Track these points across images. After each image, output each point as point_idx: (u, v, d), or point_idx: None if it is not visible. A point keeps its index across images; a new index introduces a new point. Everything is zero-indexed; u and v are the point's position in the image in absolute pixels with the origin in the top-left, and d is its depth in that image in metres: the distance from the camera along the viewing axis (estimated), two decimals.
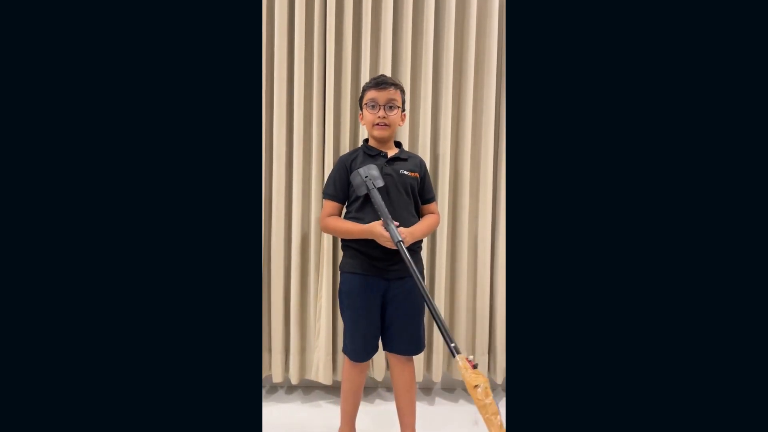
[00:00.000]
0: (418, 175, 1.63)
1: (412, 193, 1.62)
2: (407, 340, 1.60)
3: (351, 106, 2.01)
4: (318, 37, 2.00)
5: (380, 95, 1.58)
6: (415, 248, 1.60)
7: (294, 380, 2.11)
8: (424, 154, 2.01)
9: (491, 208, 2.09)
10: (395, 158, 1.63)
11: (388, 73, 1.98)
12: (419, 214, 1.66)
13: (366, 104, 1.62)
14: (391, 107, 1.60)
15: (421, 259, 1.69)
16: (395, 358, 1.63)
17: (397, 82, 1.64)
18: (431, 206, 1.69)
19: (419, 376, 2.10)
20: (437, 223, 1.68)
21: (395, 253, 1.49)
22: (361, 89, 1.69)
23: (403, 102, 1.67)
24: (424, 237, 1.64)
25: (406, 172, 1.61)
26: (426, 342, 2.09)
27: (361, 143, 1.75)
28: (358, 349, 1.60)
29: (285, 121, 2.02)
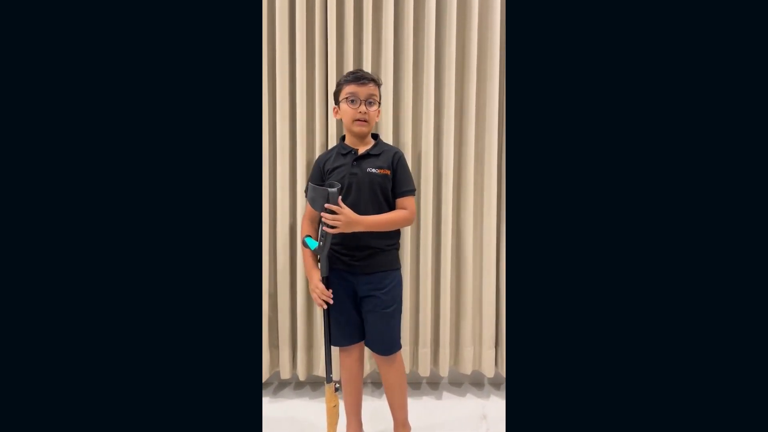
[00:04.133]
0: (388, 172, 1.57)
1: (382, 191, 1.57)
2: (376, 339, 1.61)
3: None
4: (319, 37, 2.00)
5: (360, 90, 1.55)
6: (382, 246, 1.57)
7: (301, 376, 2.12)
8: (427, 152, 2.01)
9: (495, 204, 2.08)
10: (365, 155, 1.59)
11: (389, 70, 1.98)
12: (392, 208, 1.60)
13: (345, 99, 1.58)
14: (370, 103, 1.57)
15: (395, 258, 1.65)
16: (375, 355, 1.64)
17: (376, 77, 1.61)
18: (404, 201, 1.59)
19: (426, 370, 2.10)
20: (403, 218, 1.59)
21: (356, 249, 1.55)
22: (336, 83, 1.65)
23: (379, 97, 1.64)
24: (376, 228, 1.53)
25: (374, 170, 1.56)
26: (432, 337, 2.11)
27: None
28: (335, 336, 1.63)
29: (288, 116, 2.03)
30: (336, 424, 1.58)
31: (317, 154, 2.04)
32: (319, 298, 1.54)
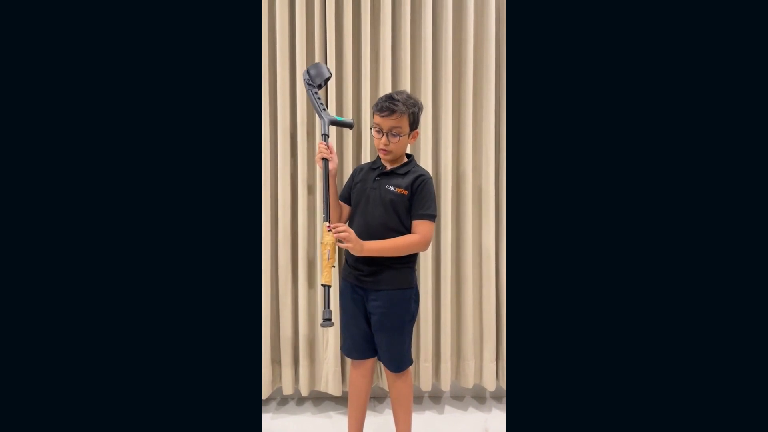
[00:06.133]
0: (406, 192, 1.57)
1: (395, 210, 1.56)
2: (386, 356, 1.64)
3: (353, 117, 2.05)
4: (319, 51, 2.05)
5: (383, 122, 1.54)
6: (389, 264, 1.56)
7: (304, 392, 2.13)
8: (426, 164, 2.03)
9: (494, 216, 2.10)
10: (389, 173, 1.61)
11: (387, 84, 2.01)
12: (409, 230, 1.59)
13: (373, 126, 1.59)
14: (394, 134, 1.55)
15: (408, 276, 1.62)
16: (386, 369, 1.67)
17: (403, 106, 1.53)
18: (417, 224, 1.57)
19: (427, 384, 2.11)
20: (410, 244, 1.56)
21: (363, 263, 1.58)
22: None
23: (416, 121, 1.59)
24: (380, 254, 1.54)
25: (391, 188, 1.57)
26: (433, 351, 2.12)
27: (365, 146, 1.89)
28: (348, 347, 1.71)
29: (288, 129, 2.06)
30: (324, 259, 1.46)
31: (318, 171, 2.07)
32: (320, 153, 1.56)
